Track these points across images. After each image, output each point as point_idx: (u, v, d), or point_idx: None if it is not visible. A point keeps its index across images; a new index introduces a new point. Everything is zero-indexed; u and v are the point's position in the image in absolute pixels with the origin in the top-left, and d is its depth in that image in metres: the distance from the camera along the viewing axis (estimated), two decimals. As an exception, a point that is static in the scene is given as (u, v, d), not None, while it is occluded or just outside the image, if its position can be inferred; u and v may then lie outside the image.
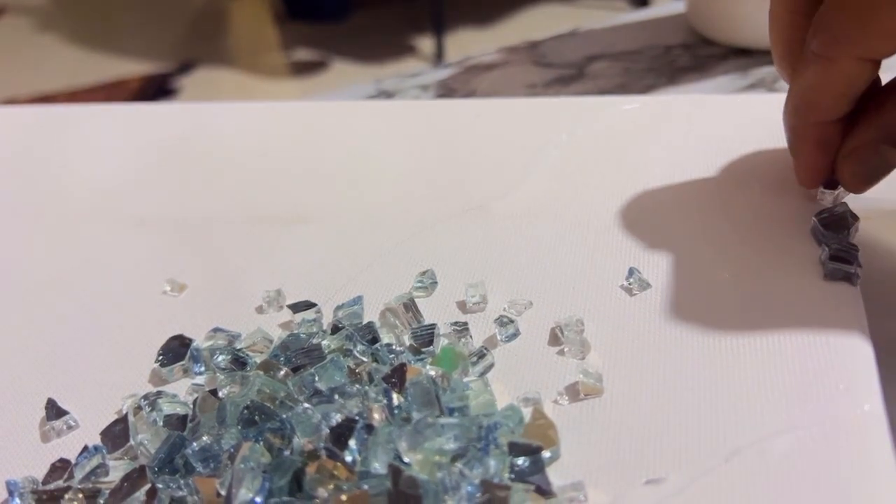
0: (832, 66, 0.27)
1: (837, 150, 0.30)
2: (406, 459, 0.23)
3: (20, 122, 0.46)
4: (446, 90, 0.51)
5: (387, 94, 0.51)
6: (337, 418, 0.24)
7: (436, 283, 0.31)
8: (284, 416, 0.24)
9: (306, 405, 0.24)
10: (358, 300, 0.30)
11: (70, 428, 0.28)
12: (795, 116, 0.30)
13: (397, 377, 0.25)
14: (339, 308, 0.30)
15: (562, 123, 0.39)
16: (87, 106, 0.47)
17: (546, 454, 0.24)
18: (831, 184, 0.31)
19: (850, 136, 0.29)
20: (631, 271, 0.30)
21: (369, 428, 0.24)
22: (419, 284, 0.31)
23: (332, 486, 0.22)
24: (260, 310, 0.31)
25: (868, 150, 0.29)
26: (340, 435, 0.23)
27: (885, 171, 0.30)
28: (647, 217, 0.33)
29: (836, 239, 0.29)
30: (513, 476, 0.23)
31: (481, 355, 0.27)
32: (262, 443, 0.24)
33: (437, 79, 0.52)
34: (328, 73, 1.35)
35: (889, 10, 0.25)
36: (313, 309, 0.30)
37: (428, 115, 0.42)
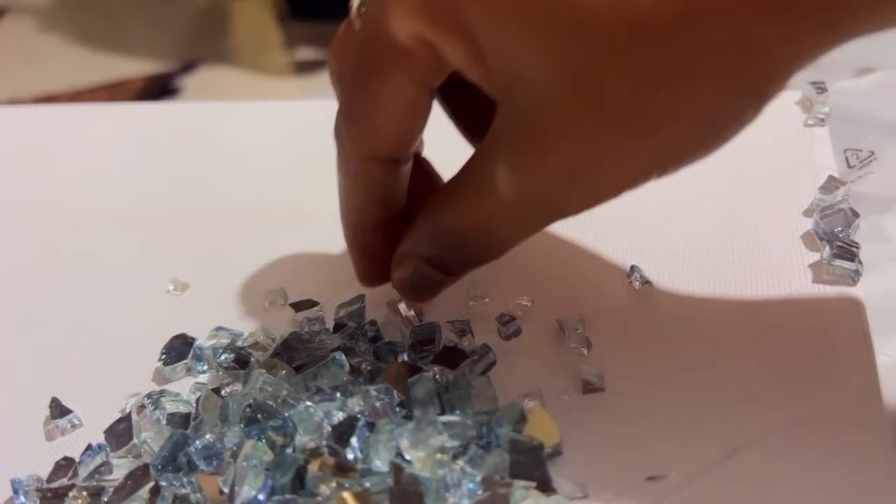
0: (345, 167, 0.27)
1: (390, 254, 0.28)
2: (408, 457, 0.23)
3: (24, 122, 0.46)
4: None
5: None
6: (339, 416, 0.24)
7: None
8: (287, 414, 0.24)
9: (308, 403, 0.24)
10: (360, 299, 0.30)
11: (74, 426, 0.28)
12: (342, 221, 0.29)
13: (399, 375, 0.25)
14: (341, 306, 0.30)
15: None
16: (90, 105, 0.47)
17: (547, 451, 0.24)
18: (826, 187, 0.31)
19: (401, 242, 0.28)
20: (632, 269, 0.30)
21: (371, 426, 0.24)
22: (421, 283, 0.31)
23: (334, 484, 0.22)
24: (263, 308, 0.32)
25: (407, 264, 0.27)
26: (342, 433, 0.23)
27: (431, 288, 0.28)
28: (649, 214, 0.33)
29: (838, 237, 0.29)
30: (514, 473, 0.23)
31: (483, 353, 0.27)
32: (264, 441, 0.24)
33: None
34: (331, 72, 1.35)
35: (371, 108, 0.25)
36: (316, 307, 0.30)
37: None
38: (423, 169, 0.30)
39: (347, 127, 0.26)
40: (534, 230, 0.25)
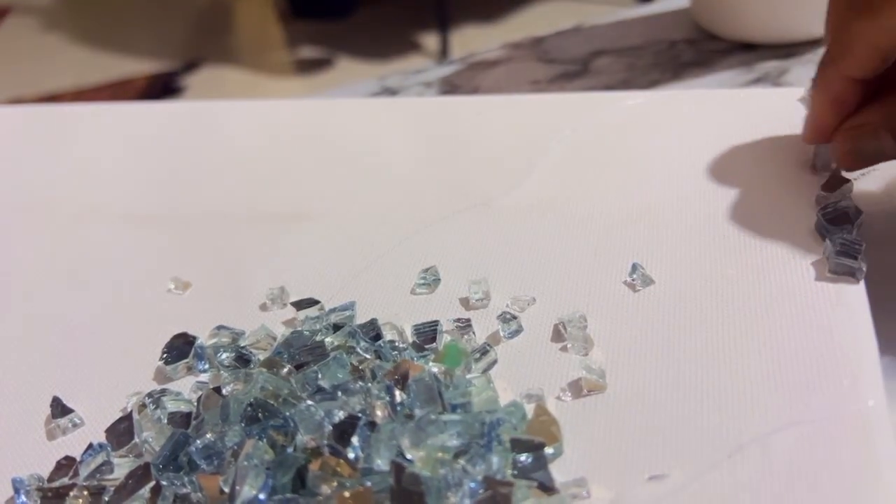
0: (873, 19, 0.28)
1: (842, 119, 0.30)
2: (409, 456, 0.23)
3: (27, 121, 0.46)
4: (450, 87, 0.51)
5: (390, 92, 0.51)
6: (340, 415, 0.24)
7: (439, 279, 0.31)
8: (287, 413, 0.24)
9: (309, 402, 0.24)
10: (351, 305, 0.30)
11: (75, 426, 0.28)
12: (826, 64, 0.31)
13: (400, 374, 0.25)
14: (332, 311, 0.30)
15: (565, 119, 0.39)
16: (92, 105, 0.47)
17: (549, 450, 0.24)
18: (829, 184, 0.31)
19: (858, 113, 0.30)
20: (634, 267, 0.30)
21: (372, 425, 0.24)
22: (422, 281, 0.31)
23: (335, 483, 0.22)
24: (264, 307, 0.32)
25: (868, 130, 0.30)
26: (343, 432, 0.23)
27: (877, 157, 0.30)
28: (651, 213, 0.33)
29: (841, 234, 0.29)
30: (515, 472, 0.23)
31: (484, 352, 0.27)
32: (265, 440, 0.24)
33: (440, 76, 0.52)
34: (333, 71, 1.35)
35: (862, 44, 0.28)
36: (316, 306, 0.30)
37: (432, 112, 0.42)
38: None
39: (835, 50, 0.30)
40: None
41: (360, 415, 0.24)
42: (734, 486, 0.23)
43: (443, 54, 1.68)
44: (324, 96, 0.52)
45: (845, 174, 0.32)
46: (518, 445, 0.23)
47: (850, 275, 0.28)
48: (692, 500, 0.23)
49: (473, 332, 0.29)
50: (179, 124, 0.44)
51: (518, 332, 0.29)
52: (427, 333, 0.28)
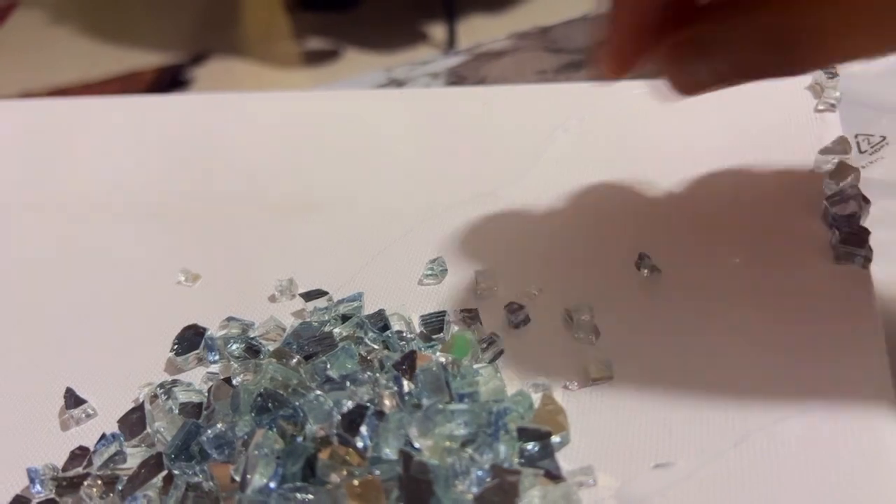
0: None
1: (652, 44, 0.25)
2: (417, 445, 0.23)
3: (35, 115, 0.46)
4: (457, 78, 0.51)
5: (397, 83, 0.51)
6: (348, 405, 0.24)
7: (446, 270, 0.31)
8: (297, 403, 0.25)
9: (318, 392, 0.25)
10: (358, 296, 0.30)
11: (88, 416, 0.28)
12: None
13: (407, 364, 0.25)
14: (340, 302, 0.30)
15: (572, 109, 0.39)
16: (100, 98, 0.48)
17: (556, 439, 0.24)
18: (836, 172, 0.31)
19: (680, 27, 0.24)
20: (641, 256, 0.30)
21: (380, 414, 0.24)
22: (429, 272, 0.31)
23: (344, 472, 0.23)
24: (273, 298, 0.32)
25: (695, 48, 0.24)
26: (352, 421, 0.24)
27: (712, 81, 0.25)
28: (658, 202, 0.33)
29: (847, 222, 0.29)
30: (522, 461, 0.23)
31: (491, 342, 0.28)
32: (275, 429, 0.24)
33: (447, 66, 0.52)
34: (341, 62, 1.35)
35: None
36: (325, 297, 0.30)
37: (438, 102, 0.42)
38: None
39: None
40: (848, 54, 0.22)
41: (368, 404, 0.24)
42: (740, 475, 0.23)
43: (450, 45, 1.67)
44: (331, 87, 0.52)
45: (852, 163, 0.32)
46: (525, 434, 0.24)
47: (857, 263, 0.28)
48: (698, 488, 0.23)
49: (480, 322, 0.29)
50: (187, 117, 0.44)
51: (525, 321, 0.29)
52: (434, 323, 0.28)
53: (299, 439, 0.24)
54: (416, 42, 1.55)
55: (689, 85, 0.26)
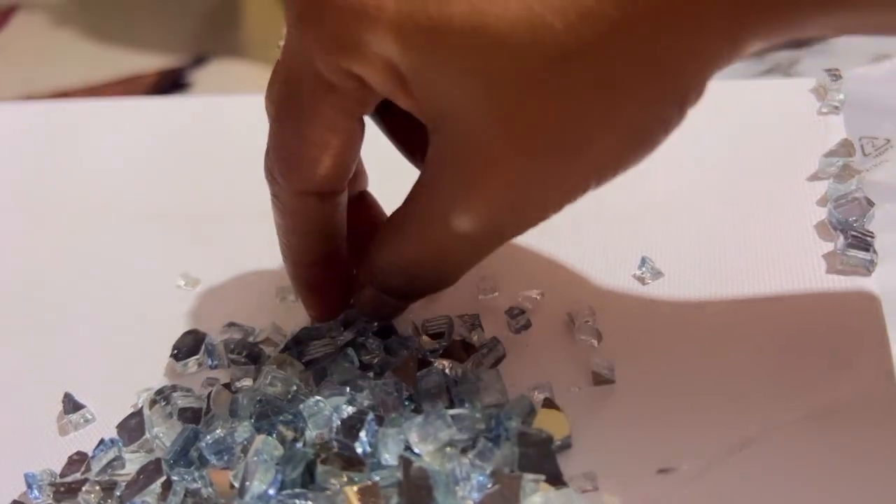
0: (280, 206, 0.26)
1: (342, 285, 0.28)
2: (417, 451, 0.23)
3: (37, 117, 0.46)
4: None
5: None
6: (348, 411, 0.24)
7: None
8: (297, 409, 0.24)
9: (318, 398, 0.24)
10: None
11: (87, 421, 0.28)
12: (283, 260, 0.28)
13: (408, 369, 0.25)
14: None
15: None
16: (102, 100, 0.47)
17: (557, 444, 0.24)
18: (840, 176, 0.31)
19: (360, 268, 0.27)
20: (643, 260, 0.30)
21: (380, 420, 0.24)
22: (431, 275, 0.31)
23: (343, 478, 0.22)
24: (273, 304, 0.32)
25: (365, 293, 0.27)
26: (352, 427, 0.23)
27: (393, 311, 0.28)
28: (660, 205, 0.33)
29: (852, 226, 0.29)
30: (523, 466, 0.23)
31: (492, 346, 0.27)
32: (274, 435, 0.24)
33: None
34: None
35: (300, 143, 0.24)
36: None
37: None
38: (366, 203, 0.30)
39: (278, 164, 0.25)
40: (484, 255, 0.25)
41: (368, 410, 0.24)
42: (744, 480, 0.23)
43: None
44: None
45: (856, 166, 0.32)
46: (526, 439, 0.23)
47: (862, 267, 0.28)
48: (702, 493, 0.23)
49: (481, 327, 0.29)
50: (189, 119, 0.44)
51: (526, 326, 0.29)
52: (437, 328, 0.28)
53: (299, 445, 0.24)
54: (419, 44, 1.54)
55: (383, 314, 0.28)
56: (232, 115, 0.44)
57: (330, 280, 0.28)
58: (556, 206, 0.23)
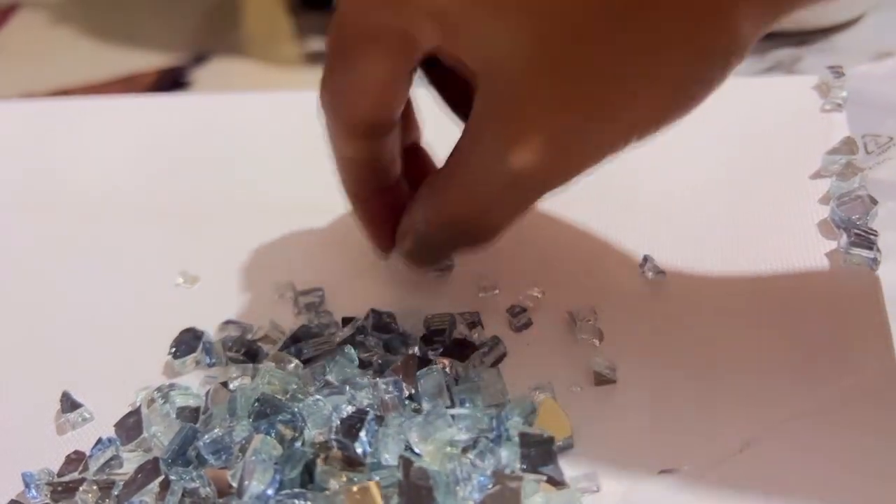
0: (333, 139, 0.27)
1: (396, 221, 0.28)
2: (417, 450, 0.23)
3: (37, 115, 0.46)
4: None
5: (399, 83, 0.51)
6: (348, 410, 0.24)
7: (452, 264, 0.31)
8: (295, 407, 0.24)
9: (317, 397, 0.24)
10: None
11: (85, 420, 0.28)
12: (343, 191, 0.29)
13: (408, 368, 0.25)
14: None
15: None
16: (102, 98, 0.47)
17: (558, 444, 0.24)
18: (844, 174, 0.31)
19: (404, 215, 0.28)
20: (645, 258, 0.30)
21: (380, 419, 0.24)
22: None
23: (343, 478, 0.22)
24: (272, 301, 0.31)
25: (408, 239, 0.28)
26: (351, 426, 0.23)
27: (433, 262, 0.29)
28: (662, 203, 0.32)
29: (855, 224, 0.29)
30: (525, 467, 0.23)
31: (493, 345, 0.27)
32: (273, 435, 0.24)
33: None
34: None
35: (350, 85, 0.25)
36: (316, 292, 0.30)
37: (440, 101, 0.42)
38: (420, 156, 0.31)
39: (326, 97, 0.26)
40: (525, 208, 0.25)
41: (368, 409, 0.24)
42: (747, 480, 0.23)
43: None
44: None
45: (859, 164, 0.31)
46: (527, 439, 0.23)
47: (866, 265, 0.28)
48: (704, 493, 0.23)
49: (482, 326, 0.28)
50: (189, 117, 0.44)
51: (527, 325, 0.28)
52: (438, 326, 0.28)
53: (298, 444, 0.24)
54: (419, 43, 1.54)
55: (423, 264, 0.29)
56: (232, 113, 0.43)
57: (386, 214, 0.29)
58: (597, 158, 0.23)
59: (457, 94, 0.28)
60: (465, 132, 0.25)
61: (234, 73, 0.57)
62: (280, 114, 0.43)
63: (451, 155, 0.25)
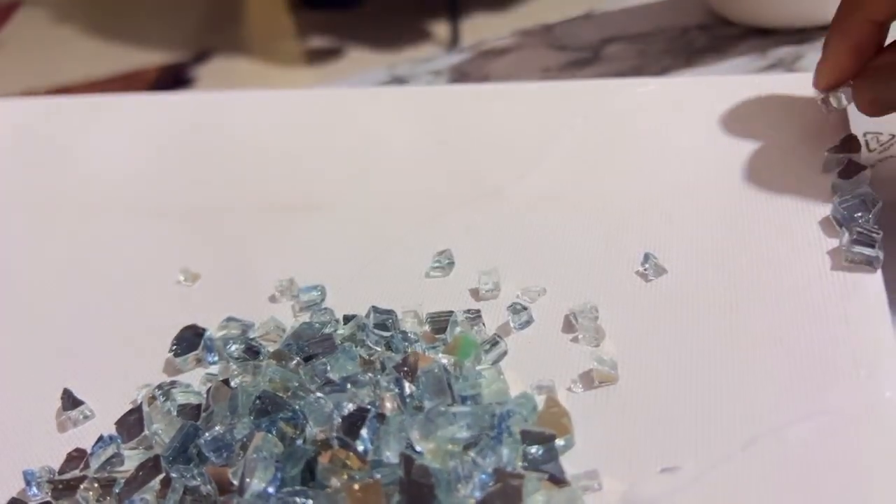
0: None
1: (862, 65, 0.31)
2: (418, 448, 0.23)
3: (38, 113, 0.46)
4: (460, 75, 0.50)
5: (400, 81, 0.51)
6: (349, 407, 0.24)
7: (453, 263, 0.31)
8: (297, 405, 0.24)
9: (318, 394, 0.24)
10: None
11: (86, 418, 0.28)
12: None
13: (409, 366, 0.25)
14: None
15: (576, 107, 0.39)
16: (103, 96, 0.47)
17: (560, 442, 0.24)
18: (845, 172, 0.31)
19: (879, 55, 0.30)
20: (646, 257, 0.29)
21: (381, 417, 0.24)
22: (437, 264, 0.31)
23: (344, 476, 0.22)
24: (273, 299, 0.31)
25: (890, 72, 0.30)
26: (352, 424, 0.23)
27: (892, 104, 0.30)
28: (663, 201, 0.32)
29: (857, 222, 0.28)
30: (526, 464, 0.23)
31: (494, 343, 0.27)
32: (274, 432, 0.24)
33: (450, 64, 0.52)
34: (344, 60, 1.35)
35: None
36: (316, 289, 0.31)
37: (441, 100, 0.42)
38: None
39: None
40: None
41: (369, 407, 0.24)
42: (748, 479, 0.23)
43: (453, 42, 1.67)
44: (334, 86, 0.52)
45: (861, 162, 0.31)
46: (528, 437, 0.23)
47: (867, 264, 0.28)
48: (705, 492, 0.22)
49: (483, 323, 0.28)
50: (190, 115, 0.44)
51: (528, 322, 0.28)
52: (440, 323, 0.28)
53: (299, 442, 0.24)
54: (420, 40, 1.54)
55: (876, 105, 0.30)
56: (234, 110, 0.43)
57: (867, 47, 0.31)
58: None
59: None
60: None
61: (235, 71, 0.57)
62: (281, 111, 0.43)
63: None
